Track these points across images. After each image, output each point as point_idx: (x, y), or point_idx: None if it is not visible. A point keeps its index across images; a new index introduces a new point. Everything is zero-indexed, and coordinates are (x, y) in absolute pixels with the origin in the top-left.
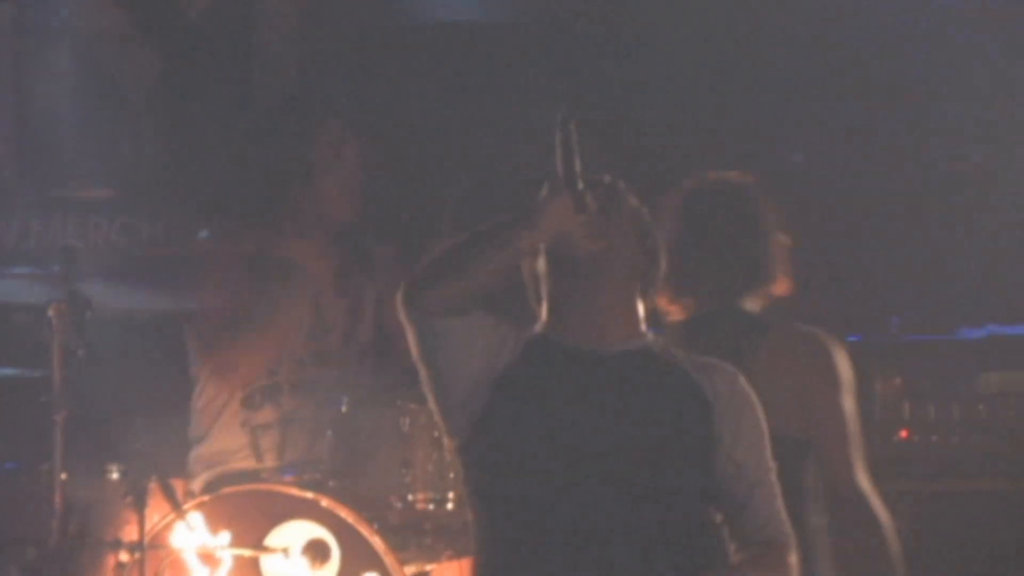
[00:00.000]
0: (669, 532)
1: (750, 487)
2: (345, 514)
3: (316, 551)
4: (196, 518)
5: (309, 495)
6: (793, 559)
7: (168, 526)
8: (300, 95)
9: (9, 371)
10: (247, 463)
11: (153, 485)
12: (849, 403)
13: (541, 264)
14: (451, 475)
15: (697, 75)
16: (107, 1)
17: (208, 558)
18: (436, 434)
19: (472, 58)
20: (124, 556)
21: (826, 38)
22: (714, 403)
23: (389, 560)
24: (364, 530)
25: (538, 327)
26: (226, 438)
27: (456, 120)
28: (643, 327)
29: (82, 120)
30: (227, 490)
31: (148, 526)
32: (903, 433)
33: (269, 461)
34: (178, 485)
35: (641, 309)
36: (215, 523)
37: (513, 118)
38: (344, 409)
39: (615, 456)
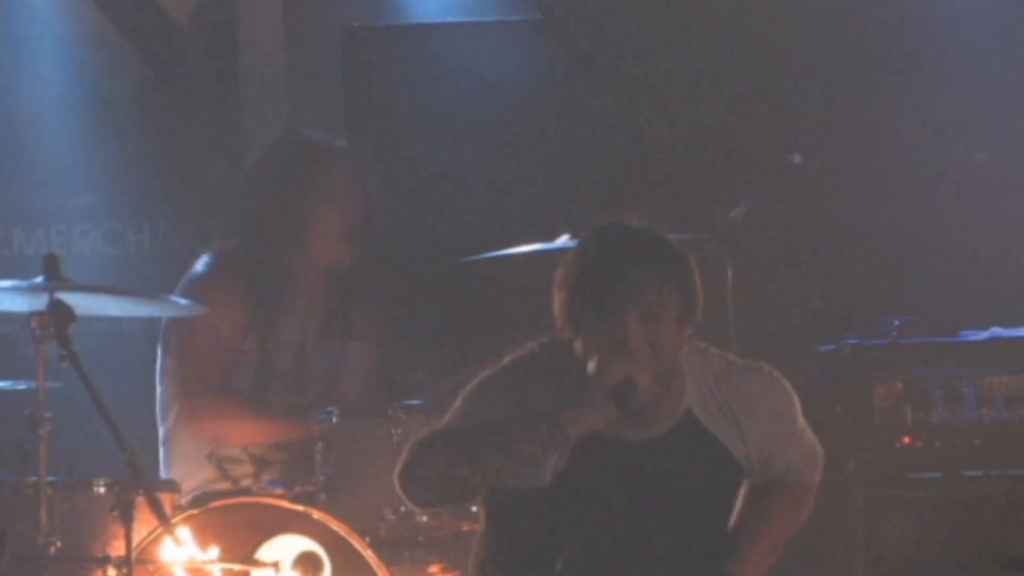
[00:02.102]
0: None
1: (776, 467)
2: (337, 527)
3: (307, 565)
4: (185, 532)
5: (300, 508)
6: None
7: (156, 540)
8: (301, 136)
9: None
10: (224, 485)
11: (140, 498)
12: None
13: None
14: None
15: (695, 73)
16: (90, 5)
17: (197, 573)
18: None
19: (460, 58)
20: (111, 572)
21: (828, 33)
22: (744, 464)
23: (382, 573)
24: (356, 543)
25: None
26: (195, 469)
27: (446, 123)
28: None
29: (65, 126)
30: (216, 503)
31: (135, 540)
32: (906, 439)
33: (245, 483)
34: (166, 498)
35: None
36: (204, 537)
37: (503, 121)
38: (334, 420)
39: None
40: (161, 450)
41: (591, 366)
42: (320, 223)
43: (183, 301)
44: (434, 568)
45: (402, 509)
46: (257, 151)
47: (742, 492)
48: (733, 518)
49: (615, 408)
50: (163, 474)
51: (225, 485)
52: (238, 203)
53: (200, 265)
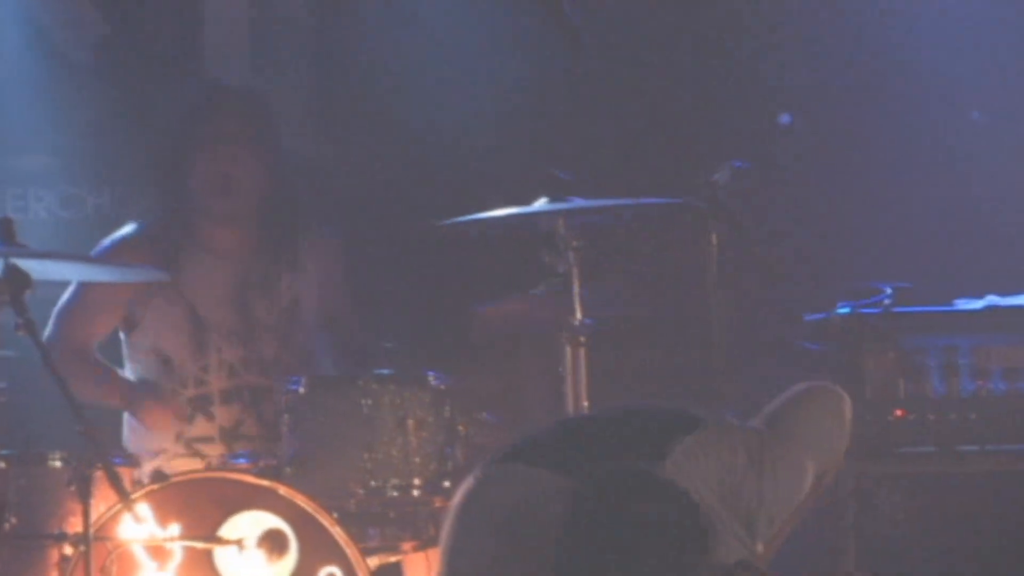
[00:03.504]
0: None
1: None
2: (303, 503)
3: (273, 543)
4: (144, 508)
5: (265, 483)
6: None
7: (115, 517)
8: (205, 83)
9: None
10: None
11: (98, 473)
12: None
13: None
14: (416, 459)
15: (679, 32)
16: None
17: (157, 551)
18: (400, 414)
19: (436, 14)
20: (68, 549)
21: None
22: None
23: (351, 551)
24: (324, 520)
25: None
26: (165, 450)
27: (421, 84)
28: None
29: (22, 86)
30: (177, 478)
31: (93, 517)
32: (898, 412)
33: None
34: (125, 473)
35: None
36: (165, 514)
37: (480, 81)
38: (302, 390)
39: None
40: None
41: None
42: (201, 169)
43: (137, 268)
44: (406, 546)
45: (372, 484)
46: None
47: None
48: None
49: None
50: (128, 443)
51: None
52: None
53: (117, 233)
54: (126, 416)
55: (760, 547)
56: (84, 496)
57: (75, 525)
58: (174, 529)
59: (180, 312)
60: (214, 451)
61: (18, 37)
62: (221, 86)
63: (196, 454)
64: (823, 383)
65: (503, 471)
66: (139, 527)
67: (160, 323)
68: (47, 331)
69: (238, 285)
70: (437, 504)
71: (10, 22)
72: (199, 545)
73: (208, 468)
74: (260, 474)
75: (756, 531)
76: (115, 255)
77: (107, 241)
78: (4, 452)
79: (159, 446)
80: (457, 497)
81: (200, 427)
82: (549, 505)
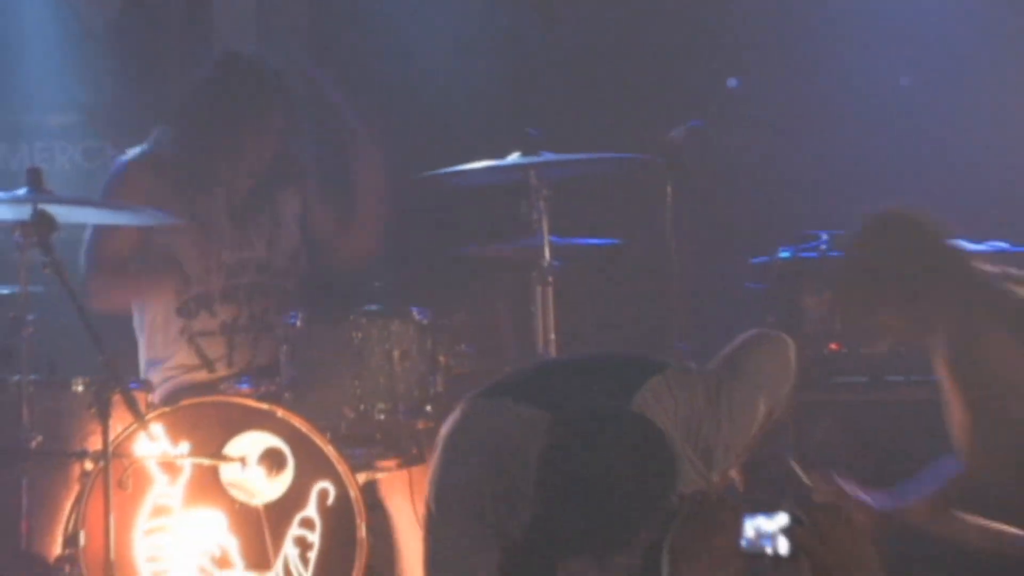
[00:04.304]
0: None
1: None
2: (299, 424)
3: (272, 460)
4: (157, 428)
5: (265, 406)
6: None
7: (131, 436)
8: (248, 57)
9: None
10: (202, 375)
11: (116, 397)
12: None
13: None
14: (401, 387)
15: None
16: None
17: (169, 466)
18: (387, 346)
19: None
20: (89, 465)
21: None
22: None
23: (341, 468)
24: (318, 440)
25: None
26: (173, 349)
27: (403, 44)
28: None
29: (48, 51)
30: (187, 402)
31: (112, 436)
32: (833, 346)
33: (220, 369)
34: (140, 397)
35: None
36: (176, 433)
37: (454, 44)
38: (298, 324)
39: None
40: (140, 338)
41: None
42: (255, 141)
43: (152, 210)
44: (390, 463)
45: (361, 408)
46: (210, 63)
47: None
48: None
49: None
50: (143, 358)
51: (203, 374)
52: (184, 105)
53: (125, 156)
54: (144, 338)
55: (716, 477)
56: (103, 417)
57: (95, 443)
58: (184, 447)
59: (188, 224)
60: (214, 345)
61: (44, 8)
62: (270, 68)
63: (199, 352)
64: (772, 330)
65: (489, 404)
66: (153, 445)
67: (171, 230)
68: (83, 269)
69: (237, 200)
70: (420, 426)
71: None
72: (206, 462)
73: (213, 391)
74: (261, 398)
75: (713, 463)
76: (123, 181)
77: (115, 166)
78: (32, 377)
79: (175, 359)
80: (445, 427)
81: (203, 322)
82: (530, 435)
